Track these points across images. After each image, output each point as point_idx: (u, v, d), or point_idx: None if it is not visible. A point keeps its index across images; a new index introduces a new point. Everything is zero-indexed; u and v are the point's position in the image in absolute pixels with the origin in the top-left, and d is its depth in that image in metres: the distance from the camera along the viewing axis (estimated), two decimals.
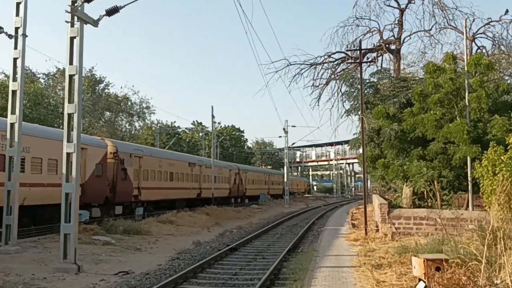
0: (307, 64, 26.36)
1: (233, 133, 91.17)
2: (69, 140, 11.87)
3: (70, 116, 11.96)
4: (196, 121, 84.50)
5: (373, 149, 22.34)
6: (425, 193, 24.30)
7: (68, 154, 11.82)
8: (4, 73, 50.34)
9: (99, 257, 13.62)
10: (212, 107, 40.08)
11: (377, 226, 19.82)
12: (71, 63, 12.02)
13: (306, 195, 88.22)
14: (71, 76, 12.05)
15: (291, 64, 26.54)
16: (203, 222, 26.58)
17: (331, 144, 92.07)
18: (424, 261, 7.09)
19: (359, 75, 21.68)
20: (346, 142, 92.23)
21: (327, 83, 26.33)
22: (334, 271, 11.07)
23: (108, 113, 63.79)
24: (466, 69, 17.84)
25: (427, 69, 18.93)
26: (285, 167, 57.30)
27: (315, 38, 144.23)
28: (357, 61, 19.73)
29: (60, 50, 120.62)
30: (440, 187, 18.04)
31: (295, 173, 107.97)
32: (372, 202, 46.95)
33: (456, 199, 24.35)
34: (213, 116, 40.57)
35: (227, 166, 47.32)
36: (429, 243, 11.95)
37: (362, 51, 19.67)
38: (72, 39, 12.00)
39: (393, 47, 26.78)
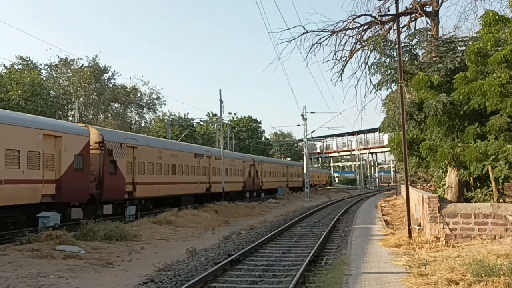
0: (327, 31, 22.04)
1: (250, 124, 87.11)
2: None
3: None
4: (211, 112, 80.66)
5: (412, 129, 18.01)
6: (471, 181, 20.01)
7: None
8: (5, 65, 47.61)
9: (41, 281, 9.73)
10: (220, 90, 35.72)
11: (419, 225, 15.63)
12: None
13: (328, 187, 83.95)
14: None
15: (307, 32, 22.23)
16: (208, 221, 22.64)
17: (352, 133, 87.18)
18: None
19: (392, 38, 17.48)
20: (369, 131, 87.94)
21: (351, 53, 21.98)
22: None
23: (116, 104, 60.40)
24: None
25: (485, 20, 14.53)
26: (304, 158, 53.01)
27: (335, 5, 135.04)
28: (392, 14, 15.48)
29: (62, 38, 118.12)
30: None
31: (316, 165, 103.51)
32: (400, 193, 42.83)
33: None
34: (221, 101, 36.33)
35: (241, 157, 43.26)
36: None
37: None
38: None
39: (429, 8, 22.25)
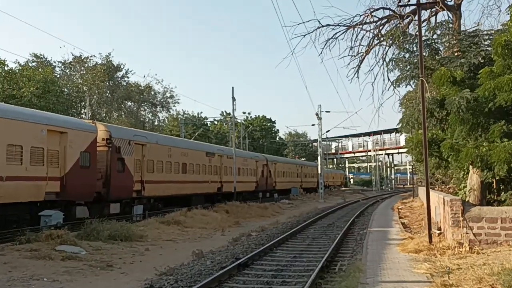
0: (343, 26, 21.17)
1: (264, 123, 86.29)
2: None
3: None
4: (225, 111, 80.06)
5: (432, 127, 17.06)
6: (494, 183, 18.98)
7: None
8: (19, 62, 47.51)
9: (33, 285, 9.09)
10: (232, 88, 35.19)
11: (439, 229, 14.72)
12: None
13: (343, 189, 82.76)
14: None
15: (322, 26, 21.40)
16: (218, 222, 21.94)
17: (368, 134, 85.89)
18: None
19: (411, 32, 16.62)
20: (385, 131, 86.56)
21: (368, 48, 21.08)
22: None
23: (129, 103, 60.14)
24: None
25: None
26: (319, 158, 52.05)
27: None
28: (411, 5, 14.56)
29: (76, 36, 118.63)
30: None
31: (331, 166, 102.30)
32: (417, 195, 41.64)
33: None
34: (233, 99, 35.61)
35: (253, 156, 42.50)
36: None
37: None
38: None
39: (451, 2, 21.28)
